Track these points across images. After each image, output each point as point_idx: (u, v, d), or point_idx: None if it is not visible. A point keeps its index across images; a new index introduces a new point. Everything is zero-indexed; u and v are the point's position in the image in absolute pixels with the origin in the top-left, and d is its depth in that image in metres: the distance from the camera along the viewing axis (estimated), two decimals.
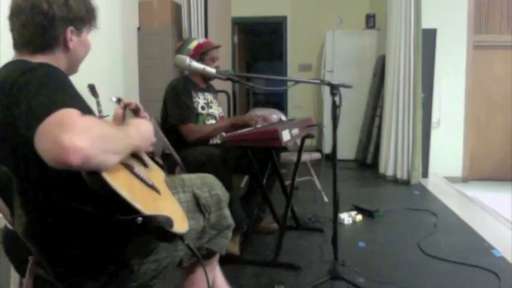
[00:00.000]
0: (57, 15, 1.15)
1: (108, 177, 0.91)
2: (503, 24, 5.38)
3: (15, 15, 1.16)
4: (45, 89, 0.98)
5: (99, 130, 0.91)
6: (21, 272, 1.20)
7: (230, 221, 1.52)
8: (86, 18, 1.23)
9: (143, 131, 1.16)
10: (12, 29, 1.17)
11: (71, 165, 0.84)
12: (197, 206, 1.38)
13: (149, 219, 0.93)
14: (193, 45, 2.73)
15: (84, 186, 0.93)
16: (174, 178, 1.43)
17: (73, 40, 1.20)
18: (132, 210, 0.92)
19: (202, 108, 2.70)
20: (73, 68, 1.26)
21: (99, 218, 1.02)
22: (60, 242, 1.09)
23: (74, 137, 0.84)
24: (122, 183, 0.94)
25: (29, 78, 1.00)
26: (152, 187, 1.10)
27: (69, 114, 0.90)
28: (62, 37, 1.18)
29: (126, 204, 0.92)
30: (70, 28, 1.19)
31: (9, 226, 1.13)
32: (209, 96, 2.80)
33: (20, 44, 1.17)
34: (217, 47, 2.80)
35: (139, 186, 1.04)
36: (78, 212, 1.03)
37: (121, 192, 0.91)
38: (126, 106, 1.46)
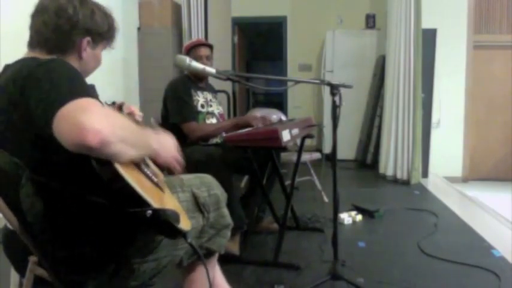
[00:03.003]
0: (80, 24, 1.18)
1: (121, 170, 0.93)
2: (503, 24, 5.39)
3: (39, 13, 1.18)
4: (64, 78, 1.00)
5: (120, 120, 0.95)
6: (21, 272, 1.20)
7: (229, 220, 1.52)
8: (105, 35, 1.27)
9: (163, 141, 1.19)
10: (32, 27, 1.19)
11: (89, 147, 0.86)
12: (196, 206, 1.38)
13: (158, 212, 0.95)
14: (184, 45, 2.85)
15: (97, 181, 0.94)
16: (172, 178, 1.43)
17: (87, 51, 1.22)
18: (141, 204, 0.94)
19: (202, 106, 2.70)
20: None
21: (106, 213, 1.03)
22: (63, 240, 1.09)
23: (94, 120, 0.87)
24: (132, 177, 0.95)
25: (45, 69, 1.02)
26: (157, 185, 1.11)
27: (91, 102, 0.93)
28: (77, 45, 1.20)
29: (134, 199, 0.93)
30: (87, 39, 1.21)
31: (9, 226, 1.13)
32: (208, 95, 2.80)
33: (36, 42, 1.19)
34: (203, 44, 2.80)
35: (146, 182, 1.06)
36: (87, 205, 1.04)
37: (133, 185, 0.93)
38: (119, 108, 1.47)
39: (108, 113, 0.93)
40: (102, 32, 1.25)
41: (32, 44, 1.20)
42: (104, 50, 1.30)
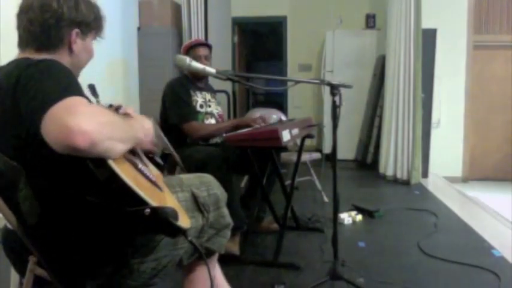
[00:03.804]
0: (66, 16, 1.17)
1: (118, 169, 0.93)
2: (503, 24, 5.39)
3: (24, 12, 1.17)
4: (52, 79, 0.99)
5: (106, 117, 0.95)
6: (21, 272, 1.20)
7: (229, 220, 1.52)
8: (93, 24, 1.26)
9: (146, 126, 1.20)
10: (19, 26, 1.19)
11: (77, 148, 0.86)
12: (196, 205, 1.38)
13: (157, 211, 0.95)
14: (183, 45, 2.88)
15: (94, 181, 0.94)
16: (171, 178, 1.43)
17: (77, 43, 1.22)
18: (139, 203, 0.94)
19: (201, 106, 2.70)
20: (75, 72, 1.26)
21: (105, 213, 1.03)
22: (63, 240, 1.09)
23: (81, 121, 0.87)
24: (129, 176, 0.96)
25: (34, 70, 1.02)
26: (155, 184, 1.11)
27: (77, 101, 0.93)
28: (67, 38, 1.19)
29: (133, 198, 0.93)
30: (76, 30, 1.21)
31: (9, 226, 1.13)
32: (207, 95, 2.80)
33: (25, 41, 1.18)
34: (202, 44, 2.81)
35: (144, 182, 1.06)
36: (85, 206, 1.04)
37: (130, 184, 0.93)
38: (116, 111, 1.47)
39: (94, 112, 0.93)
40: (89, 21, 1.24)
41: (21, 43, 1.19)
42: (94, 40, 1.30)
